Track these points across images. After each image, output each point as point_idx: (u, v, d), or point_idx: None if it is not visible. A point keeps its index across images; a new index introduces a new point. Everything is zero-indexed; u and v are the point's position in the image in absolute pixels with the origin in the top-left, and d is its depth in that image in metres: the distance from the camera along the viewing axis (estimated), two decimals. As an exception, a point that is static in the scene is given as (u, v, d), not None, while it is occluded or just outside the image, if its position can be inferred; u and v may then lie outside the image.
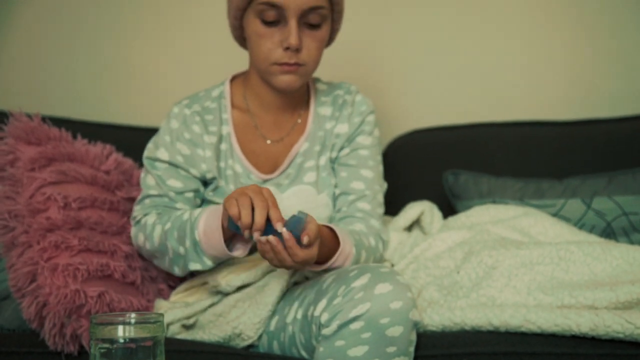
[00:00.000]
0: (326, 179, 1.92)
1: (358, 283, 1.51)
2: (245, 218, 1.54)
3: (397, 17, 2.59)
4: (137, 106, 2.67)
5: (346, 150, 1.95)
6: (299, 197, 1.88)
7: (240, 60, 2.08)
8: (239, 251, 1.69)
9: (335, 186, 1.93)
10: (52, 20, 2.68)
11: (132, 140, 2.20)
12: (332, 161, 1.95)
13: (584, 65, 2.54)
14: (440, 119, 2.52)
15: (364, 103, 1.98)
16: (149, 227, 1.80)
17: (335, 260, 1.68)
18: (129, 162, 2.12)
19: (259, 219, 1.53)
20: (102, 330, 1.29)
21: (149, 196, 1.87)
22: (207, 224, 1.67)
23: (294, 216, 1.55)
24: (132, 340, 1.28)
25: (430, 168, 2.34)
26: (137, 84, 2.69)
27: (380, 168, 1.99)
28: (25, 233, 1.80)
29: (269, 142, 1.94)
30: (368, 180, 1.93)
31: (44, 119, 1.98)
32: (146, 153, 1.91)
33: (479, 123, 2.45)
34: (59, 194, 1.85)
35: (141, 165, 2.09)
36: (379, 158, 1.99)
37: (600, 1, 2.52)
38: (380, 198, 1.95)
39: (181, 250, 1.73)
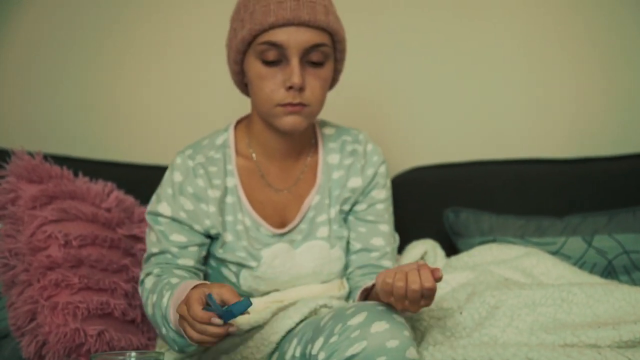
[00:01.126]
0: (337, 231, 1.88)
1: (354, 321, 1.49)
2: (208, 340, 1.48)
3: (398, 55, 2.60)
4: (138, 144, 2.67)
5: (363, 206, 1.91)
6: (312, 253, 1.84)
7: (240, 98, 2.08)
8: None
9: (350, 239, 1.90)
10: (54, 57, 2.69)
11: (134, 178, 2.21)
12: (344, 213, 1.91)
13: (584, 104, 2.55)
14: (441, 156, 2.52)
15: (375, 153, 1.94)
16: (146, 292, 1.73)
17: None
18: (130, 199, 2.12)
19: (213, 332, 1.46)
20: (101, 369, 1.29)
21: (152, 255, 1.79)
22: (175, 314, 1.56)
23: (239, 302, 1.46)
24: (132, 379, 1.28)
25: (430, 205, 2.33)
26: (140, 122, 2.69)
27: (393, 218, 1.97)
28: (26, 271, 1.80)
29: (275, 191, 1.89)
30: (386, 235, 1.91)
31: (45, 157, 2.00)
32: (149, 208, 1.83)
33: (480, 161, 2.45)
34: (59, 232, 1.85)
35: (142, 202, 2.10)
36: (392, 209, 1.97)
37: (599, 41, 2.53)
38: (395, 252, 1.95)
39: (163, 331, 1.64)
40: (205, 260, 1.85)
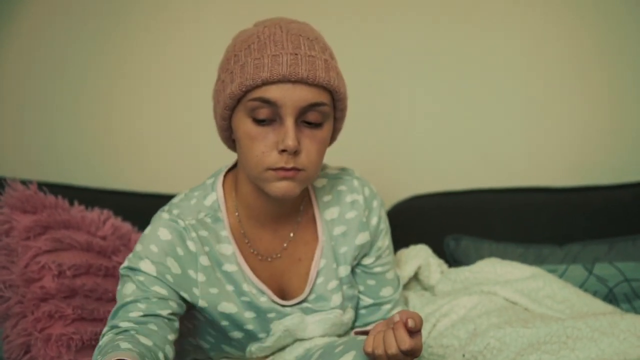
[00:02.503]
0: (349, 292, 1.77)
1: None
2: None
3: (396, 81, 2.60)
4: (136, 172, 2.67)
5: (371, 259, 1.79)
6: (324, 322, 1.72)
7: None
8: None
9: (360, 292, 1.81)
10: (48, 84, 2.69)
11: (131, 206, 2.21)
12: (353, 267, 1.80)
13: (582, 133, 2.55)
14: (441, 184, 2.52)
15: (372, 197, 1.79)
16: (96, 351, 1.47)
17: None
18: (126, 226, 2.11)
19: None
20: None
21: (123, 305, 1.55)
22: None
23: None
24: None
25: (430, 233, 2.32)
26: (138, 149, 2.69)
27: (393, 254, 1.89)
28: (20, 303, 1.80)
29: (267, 258, 1.72)
30: (393, 281, 1.83)
31: (40, 185, 2.00)
32: (125, 264, 1.60)
33: (479, 189, 2.45)
34: (53, 262, 1.85)
35: (139, 229, 2.09)
36: (392, 246, 1.87)
37: (599, 69, 2.53)
38: (401, 291, 1.87)
39: None
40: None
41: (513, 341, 1.71)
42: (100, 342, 1.47)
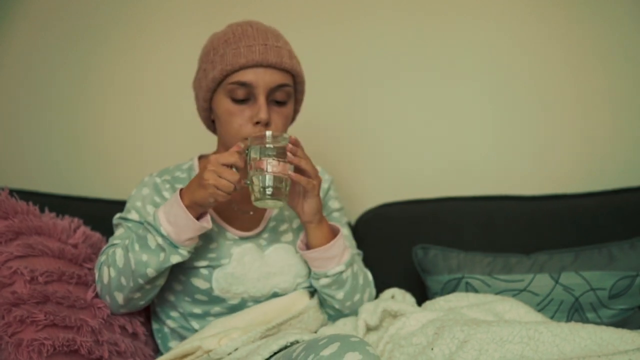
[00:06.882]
0: (300, 231, 2.04)
1: (327, 352, 1.48)
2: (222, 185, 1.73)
3: (365, 91, 2.61)
4: (105, 180, 2.66)
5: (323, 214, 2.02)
6: (279, 253, 1.99)
7: (206, 136, 2.09)
8: (205, 221, 1.82)
9: None
10: (22, 92, 2.68)
11: (101, 214, 2.19)
12: None
13: (550, 142, 2.57)
14: (410, 193, 2.53)
15: (324, 172, 2.16)
16: (111, 256, 1.89)
17: (334, 243, 1.91)
18: (97, 235, 2.11)
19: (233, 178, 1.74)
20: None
21: (113, 245, 1.93)
22: (166, 213, 1.80)
23: None
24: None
25: (399, 242, 2.33)
26: (108, 157, 2.68)
27: (350, 230, 2.18)
28: (-10, 308, 1.77)
29: (241, 212, 2.01)
30: (347, 237, 2.10)
31: (11, 192, 1.98)
32: (117, 215, 1.99)
33: (448, 197, 2.46)
34: (25, 267, 1.83)
35: (109, 238, 2.08)
36: (347, 220, 2.19)
37: (564, 81, 2.56)
38: (356, 250, 2.12)
39: (145, 257, 1.82)
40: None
41: (478, 333, 1.73)
42: (108, 252, 1.90)
